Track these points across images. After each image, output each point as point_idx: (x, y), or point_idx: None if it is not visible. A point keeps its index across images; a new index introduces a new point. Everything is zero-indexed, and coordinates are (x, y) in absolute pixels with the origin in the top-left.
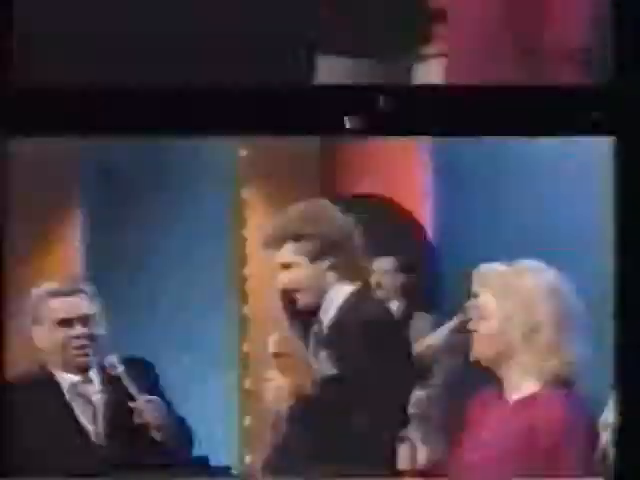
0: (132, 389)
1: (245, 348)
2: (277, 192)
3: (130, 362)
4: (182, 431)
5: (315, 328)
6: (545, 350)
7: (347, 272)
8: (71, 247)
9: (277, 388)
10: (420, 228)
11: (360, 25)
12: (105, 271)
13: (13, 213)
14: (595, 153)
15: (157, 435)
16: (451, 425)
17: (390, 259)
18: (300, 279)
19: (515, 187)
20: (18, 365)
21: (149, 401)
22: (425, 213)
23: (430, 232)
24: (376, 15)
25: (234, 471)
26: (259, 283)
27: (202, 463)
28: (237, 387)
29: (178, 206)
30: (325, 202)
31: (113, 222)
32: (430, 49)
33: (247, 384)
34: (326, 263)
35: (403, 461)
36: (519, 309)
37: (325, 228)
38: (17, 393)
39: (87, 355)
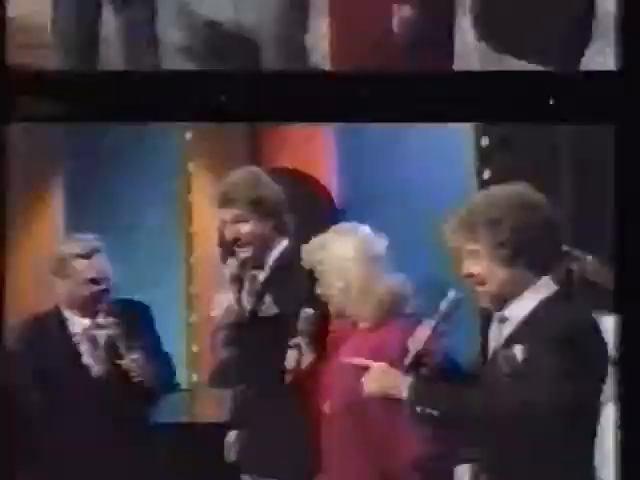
0: (121, 348)
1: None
2: (216, 165)
3: (126, 307)
4: (164, 371)
5: (253, 274)
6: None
7: (283, 229)
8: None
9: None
10: (326, 194)
11: None
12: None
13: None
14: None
15: (139, 380)
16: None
17: None
18: (250, 233)
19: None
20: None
21: (133, 360)
22: (331, 183)
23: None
24: None
25: (183, 386)
26: (203, 239)
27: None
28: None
29: (135, 176)
30: (259, 170)
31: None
32: None
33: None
34: (270, 222)
35: (290, 362)
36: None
37: (267, 192)
38: (31, 328)
39: (99, 305)
